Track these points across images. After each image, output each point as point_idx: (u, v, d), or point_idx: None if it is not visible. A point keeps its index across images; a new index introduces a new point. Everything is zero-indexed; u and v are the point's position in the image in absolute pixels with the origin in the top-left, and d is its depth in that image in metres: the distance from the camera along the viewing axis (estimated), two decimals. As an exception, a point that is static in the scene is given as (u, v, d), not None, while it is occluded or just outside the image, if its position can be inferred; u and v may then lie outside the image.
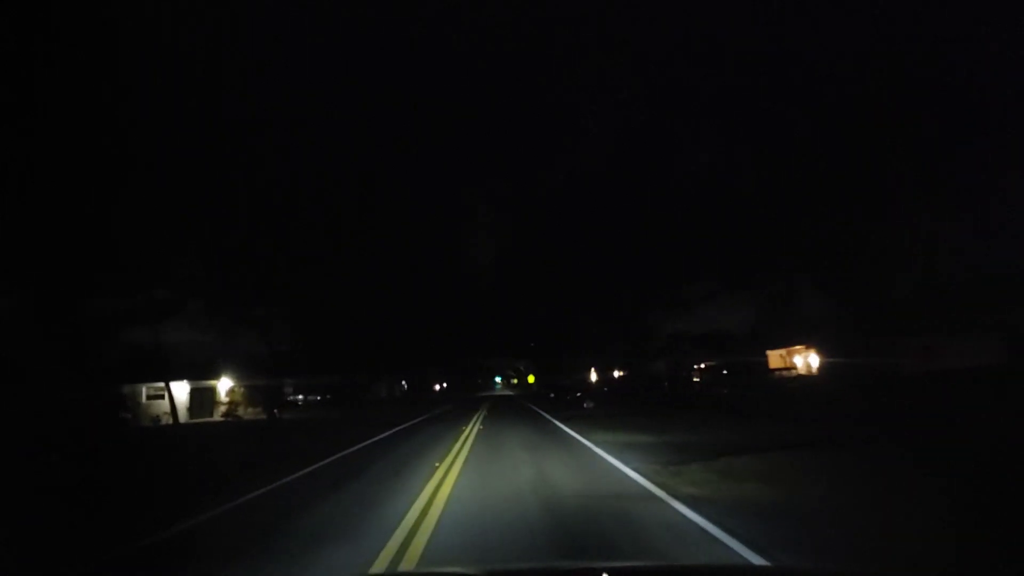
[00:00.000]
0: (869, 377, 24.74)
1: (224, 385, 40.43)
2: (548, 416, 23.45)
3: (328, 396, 50.93)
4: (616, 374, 59.55)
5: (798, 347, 33.96)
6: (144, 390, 31.07)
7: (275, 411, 28.70)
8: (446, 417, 27.45)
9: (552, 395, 49.22)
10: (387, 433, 18.71)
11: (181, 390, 32.40)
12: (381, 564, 4.89)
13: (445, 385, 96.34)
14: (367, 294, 53.80)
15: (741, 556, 4.65)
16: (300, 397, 50.78)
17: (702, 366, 49.11)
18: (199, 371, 34.01)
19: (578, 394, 26.64)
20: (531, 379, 79.51)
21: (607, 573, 2.75)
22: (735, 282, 41.34)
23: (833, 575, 3.58)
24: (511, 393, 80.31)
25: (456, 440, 14.84)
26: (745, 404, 22.74)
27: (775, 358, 35.89)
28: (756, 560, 4.53)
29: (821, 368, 30.49)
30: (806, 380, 29.67)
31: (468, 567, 4.18)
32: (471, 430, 17.90)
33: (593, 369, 64.42)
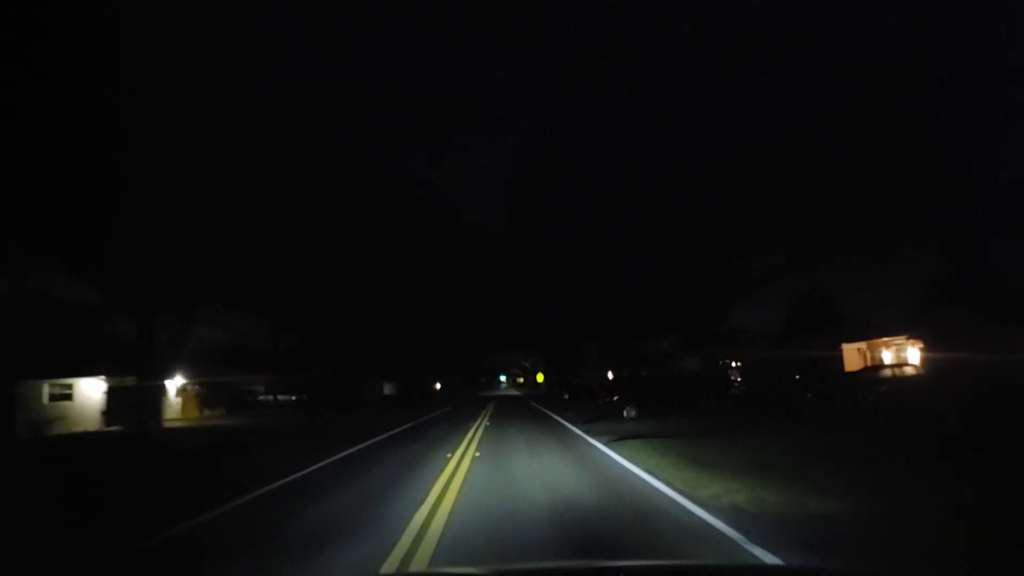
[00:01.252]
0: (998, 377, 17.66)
1: (174, 384, 33.81)
2: (579, 432, 16.15)
3: (303, 396, 43.87)
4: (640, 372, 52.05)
5: (887, 339, 26.57)
6: (47, 388, 23.93)
7: (151, 422, 21.02)
8: (435, 427, 20.25)
9: (567, 396, 42.23)
10: (319, 464, 11.42)
11: (95, 389, 25.24)
12: None
13: (447, 383, 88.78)
14: (362, 289, 46.93)
15: None
16: (271, 397, 43.67)
17: (734, 364, 41.65)
18: (124, 366, 26.78)
19: (615, 397, 19.40)
20: (540, 377, 71.85)
21: (621, 573, 2.66)
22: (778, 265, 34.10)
23: (837, 574, 3.29)
24: (517, 393, 72.81)
25: (426, 497, 7.56)
26: (868, 418, 15.47)
27: (851, 353, 28.47)
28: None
29: (925, 365, 23.12)
30: (912, 381, 22.25)
31: (478, 567, 3.98)
32: (461, 459, 10.69)
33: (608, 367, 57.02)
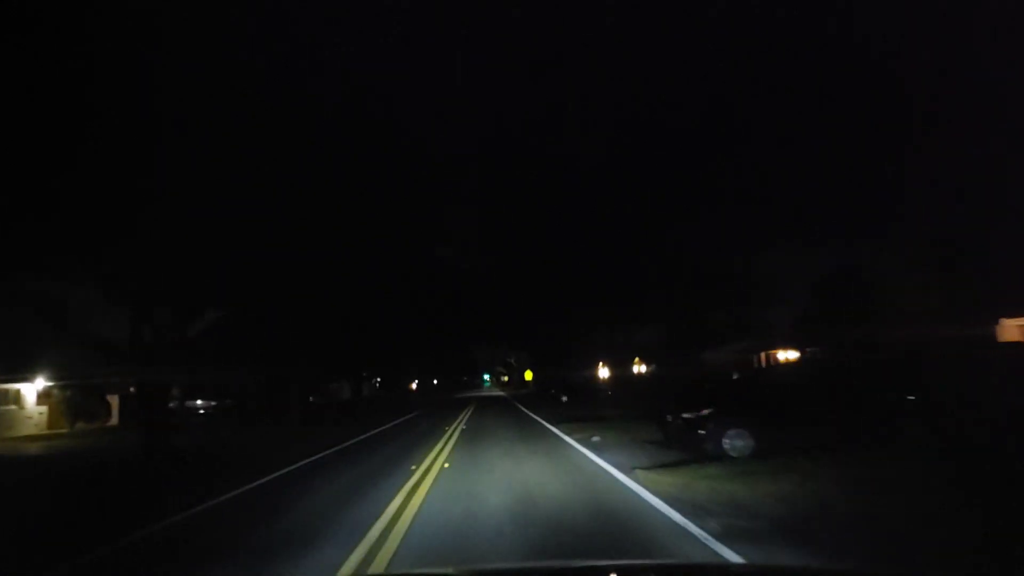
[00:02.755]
0: None
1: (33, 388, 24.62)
2: (686, 523, 6.20)
3: (227, 402, 33.70)
4: (639, 369, 43.07)
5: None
6: None
7: None
8: (345, 470, 10.27)
9: (565, 398, 33.11)
10: None
11: None
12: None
13: (424, 383, 78.54)
14: (325, 276, 37.18)
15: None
16: (200, 404, 33.46)
17: (786, 358, 31.87)
18: None
19: (702, 412, 9.26)
20: (528, 375, 61.81)
21: (600, 572, 2.58)
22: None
23: (828, 573, 3.20)
24: (503, 393, 62.69)
25: None
26: None
27: (1011, 331, 18.89)
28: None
29: None
30: None
31: (454, 567, 4.05)
32: None
33: (602, 364, 47.90)
